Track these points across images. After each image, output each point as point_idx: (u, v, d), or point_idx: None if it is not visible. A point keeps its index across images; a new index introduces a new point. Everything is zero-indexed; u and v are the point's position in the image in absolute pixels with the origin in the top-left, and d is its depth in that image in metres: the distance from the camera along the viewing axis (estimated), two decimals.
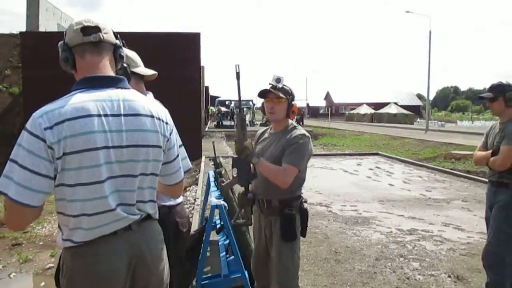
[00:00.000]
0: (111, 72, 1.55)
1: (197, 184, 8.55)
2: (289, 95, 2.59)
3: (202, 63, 14.00)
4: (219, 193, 3.53)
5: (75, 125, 1.36)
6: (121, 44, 1.61)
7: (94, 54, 1.51)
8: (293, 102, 2.61)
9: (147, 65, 2.49)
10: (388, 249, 4.98)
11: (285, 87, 2.59)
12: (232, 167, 2.57)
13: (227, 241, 3.52)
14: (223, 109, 30.47)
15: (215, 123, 30.03)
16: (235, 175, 2.57)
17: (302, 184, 2.65)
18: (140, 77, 2.42)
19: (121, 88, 1.53)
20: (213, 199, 3.23)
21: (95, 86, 1.47)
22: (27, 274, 4.42)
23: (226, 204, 3.19)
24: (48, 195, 1.39)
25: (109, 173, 1.43)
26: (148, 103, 1.58)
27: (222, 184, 2.82)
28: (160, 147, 1.57)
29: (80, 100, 1.41)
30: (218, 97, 37.99)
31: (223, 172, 3.82)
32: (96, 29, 1.51)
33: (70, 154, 1.35)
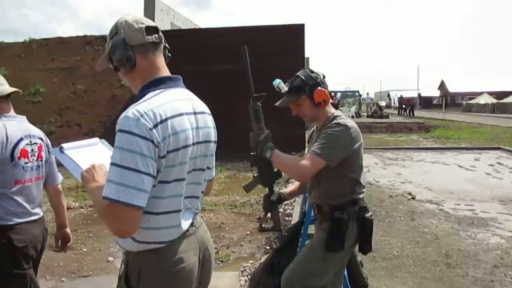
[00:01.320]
0: (169, 72, 1.56)
1: None
2: (303, 88, 2.22)
3: (307, 55, 13.89)
4: None
5: (174, 123, 1.38)
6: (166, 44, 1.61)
7: (156, 55, 1.52)
8: (317, 89, 2.21)
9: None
10: (509, 255, 4.45)
11: (295, 83, 2.26)
12: (252, 166, 2.28)
13: None
14: None
15: None
16: (255, 175, 2.27)
17: (357, 186, 2.23)
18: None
19: (183, 87, 1.57)
20: None
21: (170, 86, 1.50)
22: None
23: None
24: None
25: (188, 168, 1.48)
26: (202, 102, 1.64)
27: (243, 185, 2.45)
28: (216, 142, 1.67)
29: (169, 99, 1.43)
30: None
31: None
32: (156, 29, 1.53)
33: (172, 152, 1.38)
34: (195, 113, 1.52)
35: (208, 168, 1.65)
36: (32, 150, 2.38)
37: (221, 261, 4.56)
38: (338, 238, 2.13)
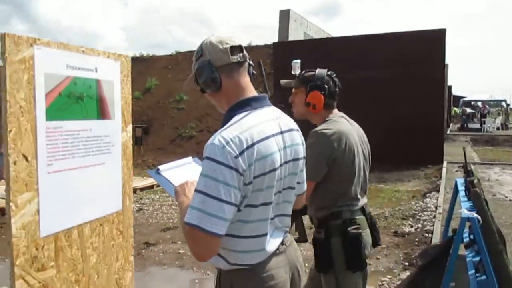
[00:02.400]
0: (255, 92, 1.53)
1: (437, 191, 7.96)
2: (307, 81, 2.10)
3: (446, 61, 12.96)
4: (471, 204, 3.19)
5: (261, 148, 1.35)
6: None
7: (241, 74, 1.49)
8: (316, 91, 2.07)
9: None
10: None
11: (306, 73, 2.13)
12: None
13: (477, 258, 3.15)
14: (468, 110, 27.55)
15: (458, 125, 27.44)
16: None
17: (341, 198, 2.04)
18: None
19: (268, 106, 1.52)
20: (464, 210, 2.93)
21: (256, 107, 1.46)
22: None
23: (479, 218, 2.85)
24: None
25: (277, 189, 1.45)
26: (289, 118, 1.58)
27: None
28: (305, 158, 1.61)
29: (255, 122, 1.40)
30: (463, 97, 34.58)
31: (475, 181, 3.43)
32: (240, 48, 1.49)
33: (258, 177, 1.35)
34: (281, 132, 1.48)
35: (298, 183, 1.63)
36: None
37: None
38: (321, 259, 2.02)
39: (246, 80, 1.51)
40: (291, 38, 14.92)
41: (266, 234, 1.45)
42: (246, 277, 1.44)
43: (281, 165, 1.44)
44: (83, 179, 1.39)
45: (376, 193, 8.47)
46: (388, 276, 4.23)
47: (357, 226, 2.03)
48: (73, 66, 1.36)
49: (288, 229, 1.61)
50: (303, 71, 2.20)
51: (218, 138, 1.32)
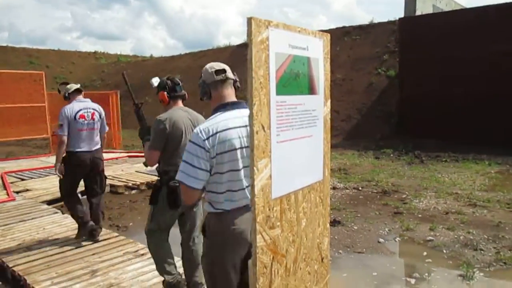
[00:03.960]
0: (234, 98, 2.10)
1: None
2: (158, 89, 3.06)
3: None
4: None
5: (221, 135, 1.98)
6: None
7: (223, 88, 2.14)
8: (161, 91, 3.03)
9: None
10: None
11: (159, 83, 3.07)
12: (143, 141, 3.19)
13: None
14: None
15: None
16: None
17: (168, 162, 2.99)
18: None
19: (244, 108, 2.02)
20: None
21: (229, 109, 2.05)
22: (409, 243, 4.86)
23: None
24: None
25: (242, 164, 1.98)
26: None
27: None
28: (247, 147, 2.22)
29: (223, 118, 1.99)
30: None
31: None
32: (223, 71, 2.14)
33: (220, 154, 1.97)
34: (246, 126, 1.92)
35: None
36: (87, 115, 4.53)
37: (504, 262, 4.20)
38: (154, 197, 3.04)
39: (227, 91, 2.07)
40: (418, 13, 14.04)
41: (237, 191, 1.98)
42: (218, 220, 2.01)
43: (241, 148, 1.95)
44: (298, 150, 1.54)
45: None
46: None
47: (175, 181, 2.72)
48: (293, 45, 1.50)
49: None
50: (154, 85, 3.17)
51: (197, 128, 1.95)
